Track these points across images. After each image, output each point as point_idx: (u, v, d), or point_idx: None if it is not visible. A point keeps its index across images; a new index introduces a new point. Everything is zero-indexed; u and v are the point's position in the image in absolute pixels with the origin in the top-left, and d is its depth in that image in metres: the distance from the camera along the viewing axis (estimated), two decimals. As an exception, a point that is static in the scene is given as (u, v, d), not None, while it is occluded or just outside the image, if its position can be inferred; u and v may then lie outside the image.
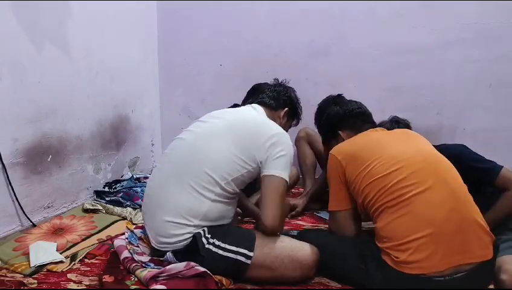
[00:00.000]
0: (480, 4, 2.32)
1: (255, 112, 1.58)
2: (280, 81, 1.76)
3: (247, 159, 1.42)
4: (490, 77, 2.37)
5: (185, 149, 1.48)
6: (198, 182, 1.39)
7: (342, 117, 1.60)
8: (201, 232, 1.39)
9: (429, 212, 1.21)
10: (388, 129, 1.71)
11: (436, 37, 2.42)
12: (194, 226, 1.39)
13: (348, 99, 1.69)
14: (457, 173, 1.33)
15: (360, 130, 1.53)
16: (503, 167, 1.53)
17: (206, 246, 1.37)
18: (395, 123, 1.87)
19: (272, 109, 1.64)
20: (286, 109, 1.67)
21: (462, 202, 1.25)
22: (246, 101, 2.10)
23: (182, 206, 1.39)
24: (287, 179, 1.42)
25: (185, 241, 1.40)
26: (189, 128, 1.55)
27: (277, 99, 1.66)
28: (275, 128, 1.49)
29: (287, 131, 1.65)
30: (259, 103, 1.63)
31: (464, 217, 1.21)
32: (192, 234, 1.39)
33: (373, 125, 1.59)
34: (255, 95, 1.71)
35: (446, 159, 1.36)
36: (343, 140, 1.55)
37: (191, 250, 1.38)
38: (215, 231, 1.41)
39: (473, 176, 1.49)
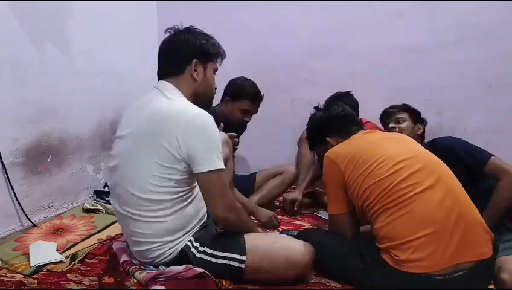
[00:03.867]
0: (480, 4, 2.32)
1: (154, 99, 1.34)
2: (172, 34, 1.42)
3: (172, 164, 1.25)
4: (490, 77, 2.37)
5: (115, 186, 1.37)
6: (145, 210, 1.30)
7: (326, 122, 1.58)
8: (189, 243, 1.36)
9: (429, 212, 1.21)
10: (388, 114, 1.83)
11: (436, 37, 2.42)
12: (169, 242, 1.34)
13: (330, 100, 1.66)
14: (452, 168, 1.34)
15: (348, 134, 1.52)
16: (493, 155, 1.56)
17: (198, 255, 1.34)
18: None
19: (178, 74, 1.37)
20: (194, 60, 1.37)
21: (460, 200, 1.25)
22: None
23: (146, 235, 1.33)
24: (221, 166, 1.26)
25: (170, 256, 1.36)
26: (112, 153, 1.40)
27: (176, 59, 1.37)
28: (175, 109, 1.27)
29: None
30: (164, 77, 1.39)
31: (463, 215, 1.22)
32: (173, 248, 1.35)
33: (360, 126, 1.58)
34: (158, 69, 1.43)
35: (438, 158, 1.36)
36: (333, 146, 1.52)
37: (183, 261, 1.35)
38: (203, 237, 1.38)
39: (464, 164, 1.55)
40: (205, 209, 1.44)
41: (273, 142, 2.74)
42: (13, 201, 1.77)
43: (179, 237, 1.36)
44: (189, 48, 1.38)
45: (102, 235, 1.81)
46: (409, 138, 1.53)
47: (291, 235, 1.65)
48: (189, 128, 1.23)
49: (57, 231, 1.83)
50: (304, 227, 2.00)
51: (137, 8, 2.62)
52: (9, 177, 1.73)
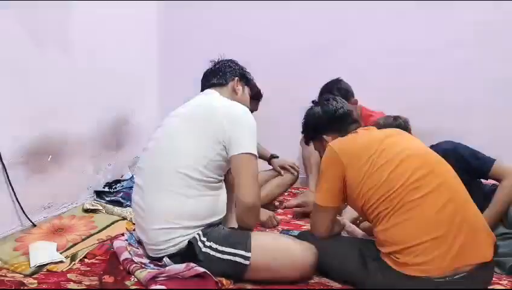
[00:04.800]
0: (480, 4, 2.33)
1: (207, 96, 1.57)
2: (217, 60, 1.71)
3: (212, 143, 1.39)
4: (490, 77, 2.37)
5: (152, 157, 1.48)
6: (176, 184, 1.38)
7: (323, 120, 1.49)
8: (197, 236, 1.38)
9: (432, 217, 1.20)
10: (385, 124, 1.77)
11: (436, 37, 2.42)
12: (184, 228, 1.38)
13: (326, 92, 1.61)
14: (455, 171, 1.32)
15: (347, 132, 1.44)
16: (495, 160, 1.58)
17: (203, 250, 1.36)
18: (394, 119, 1.88)
19: (223, 86, 1.61)
20: (236, 78, 1.63)
21: (463, 203, 1.25)
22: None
23: (166, 211, 1.38)
24: (255, 153, 1.41)
25: (178, 245, 1.38)
26: (151, 137, 1.55)
27: (222, 74, 1.63)
28: (226, 103, 1.49)
29: (252, 99, 1.71)
30: (210, 86, 1.62)
31: (467, 219, 1.21)
32: (184, 237, 1.38)
33: (359, 123, 1.51)
34: (203, 82, 1.69)
35: (442, 158, 1.34)
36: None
37: (188, 255, 1.37)
38: (211, 234, 1.40)
39: (469, 166, 1.56)
40: (223, 215, 1.48)
41: (273, 143, 2.73)
42: (13, 201, 1.77)
43: (192, 227, 1.38)
44: (233, 68, 1.66)
45: (102, 235, 1.81)
46: (411, 135, 1.49)
47: (291, 235, 1.65)
48: (235, 118, 1.42)
49: (57, 231, 1.83)
50: (304, 227, 1.99)
51: (137, 8, 2.61)
52: (9, 177, 1.73)
